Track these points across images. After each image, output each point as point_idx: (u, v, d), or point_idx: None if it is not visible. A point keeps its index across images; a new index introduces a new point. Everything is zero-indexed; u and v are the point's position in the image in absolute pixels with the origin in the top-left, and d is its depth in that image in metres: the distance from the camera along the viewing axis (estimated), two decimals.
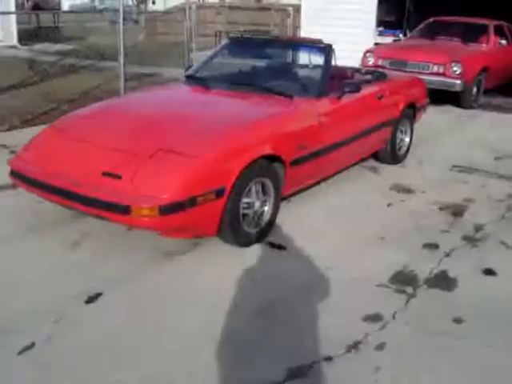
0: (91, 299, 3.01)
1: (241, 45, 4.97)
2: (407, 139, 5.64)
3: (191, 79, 4.68)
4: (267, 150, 3.52)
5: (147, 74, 11.28)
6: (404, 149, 5.62)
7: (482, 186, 5.06)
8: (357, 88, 4.35)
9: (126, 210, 3.03)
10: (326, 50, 4.44)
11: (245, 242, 3.57)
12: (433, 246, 3.79)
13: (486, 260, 3.61)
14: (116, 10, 8.20)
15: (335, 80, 4.47)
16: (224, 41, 5.06)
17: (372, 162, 5.50)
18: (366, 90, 4.67)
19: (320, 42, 4.61)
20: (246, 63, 4.88)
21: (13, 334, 2.67)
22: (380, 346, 2.67)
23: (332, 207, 4.43)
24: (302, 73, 4.50)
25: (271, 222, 3.77)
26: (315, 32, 8.87)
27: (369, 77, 5.22)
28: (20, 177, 3.63)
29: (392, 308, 3.01)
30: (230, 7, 19.89)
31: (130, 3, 26.03)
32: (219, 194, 3.24)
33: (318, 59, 4.45)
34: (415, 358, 2.60)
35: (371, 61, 8.22)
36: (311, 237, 3.86)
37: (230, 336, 2.74)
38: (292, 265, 3.47)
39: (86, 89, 9.36)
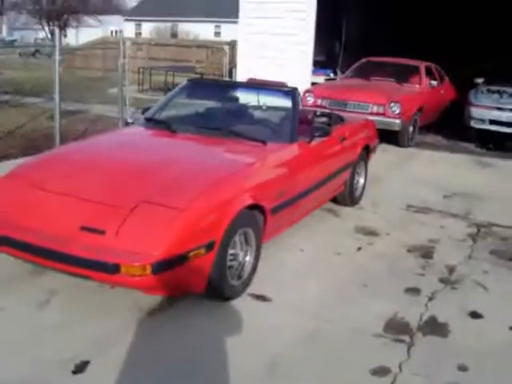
0: (79, 368, 2.76)
1: (201, 87, 4.92)
2: (362, 180, 5.78)
3: (152, 122, 4.54)
4: (251, 200, 3.45)
5: (73, 110, 10.90)
6: (360, 190, 5.74)
7: (441, 226, 5.24)
8: (326, 132, 4.41)
9: (114, 268, 2.83)
10: (293, 94, 4.49)
11: (230, 295, 3.44)
12: (414, 291, 3.84)
13: (468, 303, 3.70)
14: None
15: (301, 123, 4.50)
16: (183, 83, 4.97)
17: (329, 204, 5.55)
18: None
19: (284, 85, 4.65)
20: (209, 106, 4.81)
21: None
22: None
23: (304, 252, 4.40)
24: (270, 117, 4.49)
25: (253, 273, 3.68)
26: (251, 70, 9.04)
27: (327, 119, 5.32)
28: None
29: (395, 359, 2.99)
30: (151, 44, 19.87)
31: (44, 36, 25.40)
32: (209, 247, 3.11)
33: (285, 103, 4.47)
34: None
35: (311, 100, 8.42)
36: (291, 286, 3.81)
37: None
38: (282, 318, 3.38)
39: (11, 127, 8.89)
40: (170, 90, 15.04)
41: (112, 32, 31.28)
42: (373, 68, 9.62)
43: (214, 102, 4.86)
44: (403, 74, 9.37)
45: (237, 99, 4.74)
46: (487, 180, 7.10)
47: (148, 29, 30.85)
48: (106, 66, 18.79)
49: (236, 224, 3.31)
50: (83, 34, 28.85)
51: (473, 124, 8.90)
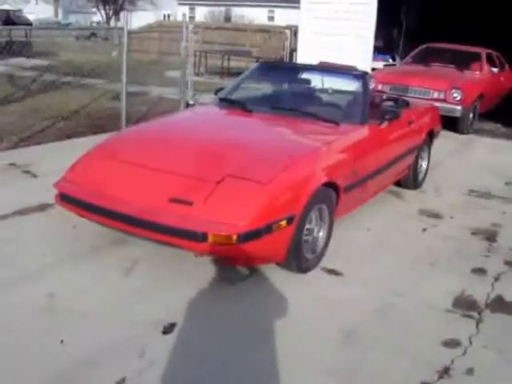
0: (167, 329, 2.99)
1: (272, 69, 5.09)
2: (425, 165, 5.85)
3: (227, 102, 4.74)
4: (327, 178, 3.62)
5: (134, 92, 11.22)
6: (422, 174, 5.83)
7: (503, 212, 5.29)
8: (397, 115, 4.52)
9: (202, 237, 3.05)
10: (364, 77, 4.61)
11: (305, 268, 3.64)
12: (480, 271, 3.95)
13: None
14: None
15: (370, 106, 4.62)
16: (255, 65, 5.15)
17: (392, 187, 5.65)
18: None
19: (355, 69, 4.77)
20: (281, 88, 4.99)
21: (99, 370, 2.65)
22: (470, 371, 2.79)
23: (371, 231, 4.55)
24: (342, 99, 4.64)
25: (325, 248, 3.85)
26: (312, 55, 9.12)
27: (393, 103, 5.40)
28: (72, 201, 3.59)
29: (465, 333, 3.13)
30: (206, 27, 20.08)
31: (100, 19, 25.97)
32: (289, 221, 3.30)
33: (356, 86, 4.60)
34: (510, 382, 2.72)
35: (372, 85, 8.45)
36: (361, 262, 3.97)
37: (320, 366, 2.79)
38: (356, 291, 3.55)
39: (75, 107, 9.26)
40: (225, 73, 15.34)
41: (165, 16, 31.69)
42: (433, 54, 9.59)
43: (285, 84, 5.02)
44: (464, 61, 9.31)
45: (308, 81, 4.89)
46: None
47: (201, 13, 31.18)
48: (161, 49, 19.14)
49: (313, 200, 3.49)
50: (134, 18, 29.35)
51: None
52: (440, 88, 8.13)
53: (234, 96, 4.82)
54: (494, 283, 3.78)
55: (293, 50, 13.79)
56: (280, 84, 5.02)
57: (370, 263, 3.96)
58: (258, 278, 3.61)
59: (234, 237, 3.04)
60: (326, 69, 4.89)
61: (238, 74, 15.94)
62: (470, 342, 3.04)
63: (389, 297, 3.50)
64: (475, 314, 3.35)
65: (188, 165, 3.55)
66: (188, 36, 9.58)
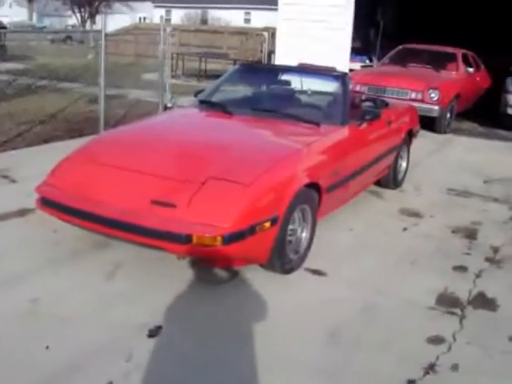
0: (153, 332, 2.98)
1: (251, 71, 5.10)
2: (404, 164, 5.92)
3: (207, 104, 4.74)
4: (309, 179, 3.64)
5: (112, 95, 11.12)
6: (402, 174, 5.89)
7: (483, 210, 5.37)
8: (377, 115, 4.56)
9: (186, 239, 3.05)
10: (343, 78, 4.65)
11: (288, 268, 3.65)
12: (462, 269, 4.01)
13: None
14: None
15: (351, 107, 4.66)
16: (235, 67, 5.15)
17: (372, 187, 5.70)
18: None
19: (334, 70, 4.80)
20: (261, 89, 5.00)
21: (84, 374, 2.62)
22: (455, 367, 2.82)
23: (353, 231, 4.59)
24: (322, 100, 4.67)
25: (308, 248, 3.87)
26: (291, 57, 9.16)
27: (372, 103, 5.45)
28: (54, 205, 3.55)
29: (449, 329, 3.17)
30: (183, 30, 20.02)
31: (75, 22, 25.73)
32: (273, 222, 3.31)
33: (335, 87, 4.64)
34: (493, 378, 2.76)
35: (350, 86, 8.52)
36: (344, 262, 4.00)
37: (306, 366, 2.80)
38: (339, 291, 3.58)
39: (52, 111, 9.16)
40: (202, 76, 15.31)
41: (140, 19, 31.56)
42: (409, 55, 9.70)
43: (265, 86, 5.03)
44: (440, 61, 9.44)
45: (288, 83, 4.90)
46: None
47: (177, 15, 31.10)
48: (138, 51, 19.04)
49: (296, 201, 3.50)
50: (110, 21, 29.18)
51: (510, 111, 8.93)
52: (417, 88, 8.23)
53: (214, 98, 4.82)
54: (476, 280, 3.84)
55: (271, 52, 13.83)
56: (259, 86, 5.03)
57: (352, 263, 3.99)
58: (240, 280, 3.61)
59: (219, 238, 3.04)
60: (305, 70, 4.92)
61: (215, 76, 16.00)
62: (454, 339, 3.08)
63: (372, 296, 3.53)
64: (458, 311, 3.40)
65: (169, 167, 3.54)
66: (166, 39, 9.56)
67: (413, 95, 8.20)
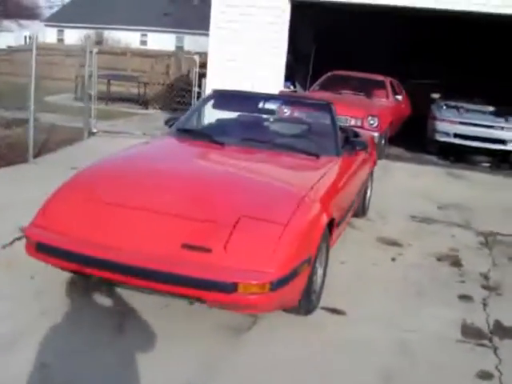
0: None
1: (229, 98, 4.93)
2: (369, 192, 6.00)
3: (190, 134, 4.50)
4: (328, 215, 3.55)
5: (22, 119, 10.37)
6: (367, 202, 5.96)
7: (452, 235, 5.57)
8: (366, 146, 4.58)
9: (231, 288, 2.82)
10: (330, 108, 4.63)
11: (311, 309, 3.51)
12: (467, 298, 4.09)
13: None
14: None
15: None
16: (209, 93, 4.95)
17: None
18: None
19: (319, 99, 4.78)
20: (245, 119, 4.83)
21: None
22: None
23: (345, 265, 4.53)
24: (314, 131, 4.58)
25: (322, 286, 3.76)
26: (223, 81, 9.10)
27: (344, 134, 5.49)
28: (53, 252, 3.15)
29: (489, 363, 3.20)
30: (71, 50, 19.25)
31: None
32: (308, 262, 3.18)
33: (324, 117, 4.61)
34: None
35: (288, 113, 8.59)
36: (353, 298, 3.93)
37: None
38: (366, 330, 3.49)
39: None
40: (110, 99, 14.74)
41: (26, 37, 29.96)
42: (339, 82, 9.98)
43: (248, 114, 4.89)
44: (369, 88, 9.81)
45: (272, 112, 4.80)
46: (467, 191, 7.58)
47: (71, 36, 29.73)
48: (36, 72, 17.98)
49: (322, 238, 3.39)
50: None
51: (437, 137, 9.45)
52: (357, 115, 8.46)
53: (196, 128, 4.60)
54: (486, 309, 3.93)
55: (186, 75, 13.70)
56: (243, 114, 4.87)
57: (362, 299, 3.92)
58: (263, 325, 3.41)
59: (267, 285, 2.84)
60: (289, 98, 4.84)
61: (123, 99, 15.52)
62: (500, 372, 3.11)
63: (399, 333, 3.48)
64: (487, 343, 3.44)
65: (188, 205, 3.28)
66: (92, 60, 9.11)
67: (352, 122, 8.41)
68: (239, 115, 4.84)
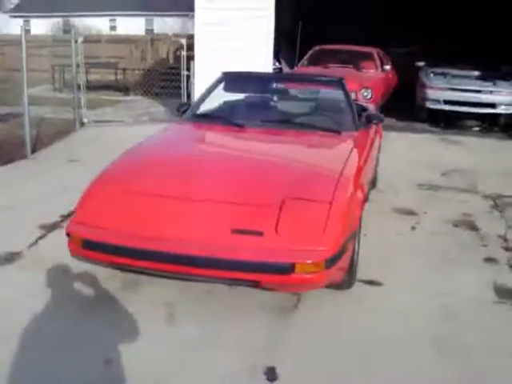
0: (270, 376, 2.78)
1: (240, 80, 4.94)
2: (379, 164, 6.09)
3: (207, 118, 4.52)
4: (362, 190, 3.62)
5: (7, 114, 10.20)
6: (377, 173, 6.05)
7: (461, 201, 5.71)
8: (381, 119, 4.66)
9: (289, 268, 2.88)
10: (342, 84, 4.68)
11: (351, 283, 3.60)
12: (492, 260, 4.24)
13: None
14: None
15: None
16: (219, 76, 4.93)
17: None
18: None
19: (329, 76, 4.82)
20: (261, 100, 4.84)
21: None
22: None
23: (368, 236, 4.57)
24: (332, 107, 4.63)
25: (357, 260, 3.85)
26: (211, 62, 9.04)
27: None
28: (103, 248, 3.15)
29: None
30: (55, 40, 18.87)
31: None
32: (354, 237, 3.27)
33: (338, 93, 4.66)
34: None
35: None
36: (385, 269, 4.03)
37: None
38: (407, 298, 3.61)
39: None
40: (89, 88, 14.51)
41: None
42: (327, 55, 10.03)
43: (263, 96, 4.90)
44: (357, 60, 9.87)
45: (286, 91, 4.83)
46: (465, 156, 7.74)
47: (37, 25, 28.91)
48: (10, 65, 17.64)
49: (361, 213, 3.47)
50: None
51: (428, 105, 9.57)
52: (351, 88, 8.45)
53: (216, 112, 4.60)
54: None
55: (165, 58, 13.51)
56: (256, 96, 4.89)
57: (393, 269, 4.03)
58: (307, 303, 3.50)
59: (322, 263, 2.92)
60: (300, 77, 4.87)
61: (102, 87, 15.30)
62: None
63: (439, 299, 3.60)
64: None
65: (229, 191, 3.32)
66: (78, 50, 8.96)
67: None
68: (253, 96, 4.85)
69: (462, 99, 9.22)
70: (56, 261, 3.86)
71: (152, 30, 29.05)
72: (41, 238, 4.44)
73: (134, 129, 9.30)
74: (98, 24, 27.74)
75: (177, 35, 14.10)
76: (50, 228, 4.59)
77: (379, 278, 3.86)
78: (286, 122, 4.29)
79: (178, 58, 14.76)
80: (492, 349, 3.06)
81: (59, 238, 3.96)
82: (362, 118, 4.59)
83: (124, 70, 14.82)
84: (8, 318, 3.21)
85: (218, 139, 4.21)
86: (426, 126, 9.88)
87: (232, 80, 4.93)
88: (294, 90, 4.87)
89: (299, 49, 10.52)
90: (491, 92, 9.14)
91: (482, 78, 9.50)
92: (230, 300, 3.50)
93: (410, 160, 7.35)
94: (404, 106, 10.29)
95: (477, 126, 9.56)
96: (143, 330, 3.15)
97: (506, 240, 4.65)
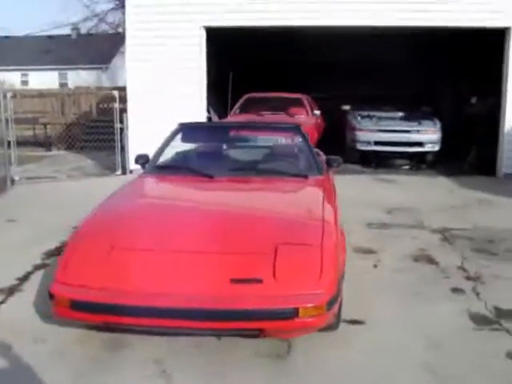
0: None
1: (197, 131, 4.99)
2: None
3: (173, 170, 4.51)
4: (341, 231, 3.73)
5: None
6: None
7: (412, 237, 5.97)
8: (340, 162, 4.84)
9: (293, 313, 2.91)
10: (299, 129, 4.85)
11: (339, 322, 3.64)
12: (459, 290, 4.44)
13: (507, 290, 4.41)
14: None
15: None
16: (176, 127, 4.95)
17: None
18: None
19: (286, 122, 4.98)
20: (221, 149, 4.89)
21: None
22: None
23: None
24: (292, 153, 4.77)
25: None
26: (146, 114, 9.07)
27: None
28: (91, 308, 3.04)
29: (510, 342, 3.53)
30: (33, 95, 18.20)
31: None
32: (343, 278, 3.34)
33: (297, 138, 4.81)
34: None
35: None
36: (361, 307, 4.10)
37: None
38: (391, 334, 3.71)
39: None
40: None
41: None
42: (258, 103, 10.27)
43: (222, 145, 4.96)
44: (288, 107, 10.18)
45: (245, 139, 4.91)
46: (402, 194, 8.14)
47: None
48: None
49: (345, 256, 3.57)
50: None
51: (359, 146, 10.01)
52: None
53: (177, 162, 4.60)
54: (479, 297, 4.29)
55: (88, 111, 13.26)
56: (219, 145, 4.94)
57: (368, 306, 4.12)
58: (299, 348, 3.50)
59: (325, 306, 2.97)
60: (257, 125, 4.99)
61: (21, 143, 14.79)
62: None
63: (421, 331, 3.72)
64: (498, 326, 3.79)
65: (222, 241, 3.33)
66: (7, 105, 8.68)
67: (283, 141, 8.66)
68: (214, 146, 4.90)
69: (392, 139, 9.73)
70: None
71: (66, 83, 28.58)
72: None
73: (68, 185, 9.08)
74: (11, 78, 26.95)
75: (99, 88, 13.98)
76: None
77: (360, 316, 3.94)
78: (255, 169, 4.37)
79: (101, 111, 14.64)
80: (485, 372, 3.20)
81: None
82: (322, 162, 4.76)
83: (45, 124, 14.46)
84: None
85: (190, 191, 4.21)
86: (358, 166, 10.31)
87: (190, 130, 4.98)
88: (254, 137, 4.97)
89: (233, 98, 10.76)
90: (418, 131, 9.73)
91: (407, 118, 10.10)
92: (221, 351, 3.44)
93: (352, 201, 7.53)
94: (331, 148, 10.68)
95: (406, 165, 10.09)
96: None
97: (465, 270, 4.90)
